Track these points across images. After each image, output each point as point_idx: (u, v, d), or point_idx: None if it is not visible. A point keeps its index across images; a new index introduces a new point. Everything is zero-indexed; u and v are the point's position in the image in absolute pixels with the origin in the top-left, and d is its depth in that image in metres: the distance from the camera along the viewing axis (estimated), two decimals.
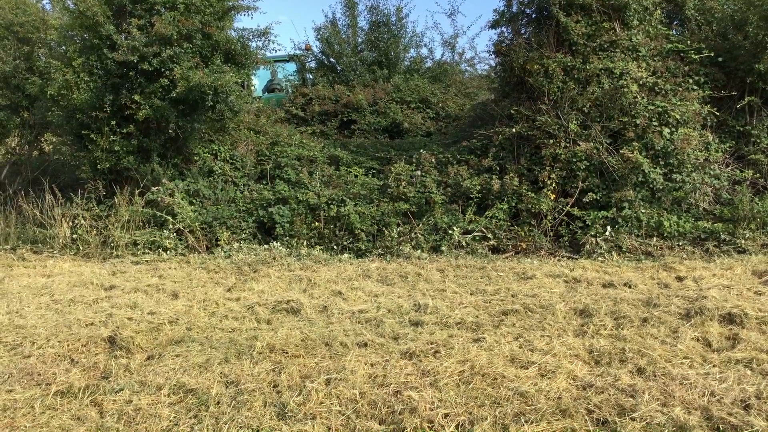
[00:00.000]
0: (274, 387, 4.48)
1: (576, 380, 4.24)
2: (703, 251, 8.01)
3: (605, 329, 5.18)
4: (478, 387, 4.22)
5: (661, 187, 8.64)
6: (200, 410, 4.17)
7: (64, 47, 9.76)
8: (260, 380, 4.57)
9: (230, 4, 9.77)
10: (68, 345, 5.54)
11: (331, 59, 16.31)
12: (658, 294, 5.92)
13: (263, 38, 10.05)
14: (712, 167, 9.10)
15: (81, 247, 9.27)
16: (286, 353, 5.01)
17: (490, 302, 6.04)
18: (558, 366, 4.41)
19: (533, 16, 10.27)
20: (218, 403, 4.23)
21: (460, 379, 4.36)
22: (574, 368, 4.40)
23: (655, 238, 8.32)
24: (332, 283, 7.12)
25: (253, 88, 16.26)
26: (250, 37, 10.06)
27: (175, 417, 4.09)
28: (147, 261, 8.66)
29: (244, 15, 10.30)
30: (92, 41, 9.27)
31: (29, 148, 13.39)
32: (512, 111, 9.76)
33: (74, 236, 9.34)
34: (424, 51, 18.14)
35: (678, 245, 8.19)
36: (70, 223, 9.45)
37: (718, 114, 9.52)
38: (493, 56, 11.12)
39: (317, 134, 13.57)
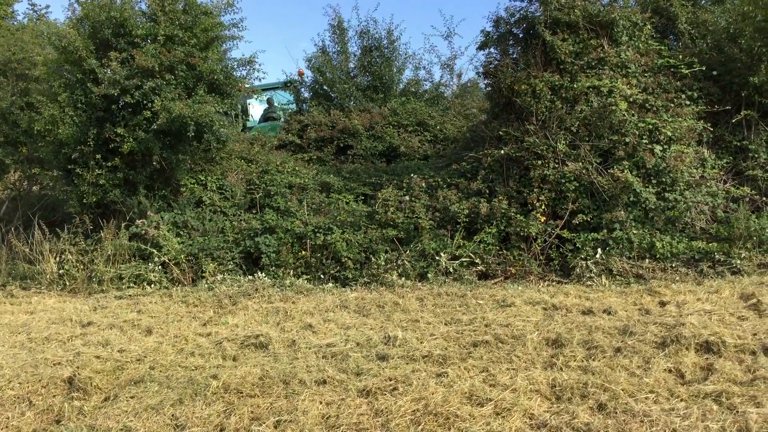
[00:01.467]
0: (221, 431, 4.32)
1: (532, 419, 4.01)
2: (697, 272, 7.70)
3: (575, 360, 4.94)
4: (428, 428, 4.02)
5: (653, 207, 8.35)
6: None
7: (51, 83, 9.80)
8: (208, 423, 4.41)
9: (214, 34, 9.75)
10: (29, 386, 5.41)
11: (325, 87, 16.23)
12: (636, 321, 5.66)
13: (248, 67, 10.02)
14: (708, 184, 8.80)
15: (67, 283, 9.21)
16: (241, 393, 4.84)
17: (462, 333, 5.82)
18: (515, 403, 4.18)
19: (521, 35, 10.12)
20: None
21: (411, 419, 4.16)
22: (532, 405, 4.17)
23: (647, 260, 8.02)
24: (308, 314, 6.95)
25: (251, 117, 16.28)
26: (235, 66, 10.04)
27: None
28: (130, 295, 8.55)
29: (230, 45, 10.30)
30: (77, 76, 9.29)
31: (29, 183, 13.50)
32: (501, 132, 9.58)
33: (61, 272, 9.30)
34: (422, 73, 17.98)
35: (671, 267, 7.88)
36: (57, 259, 9.41)
37: (712, 129, 9.24)
38: (482, 77, 10.94)
39: (314, 160, 13.48)
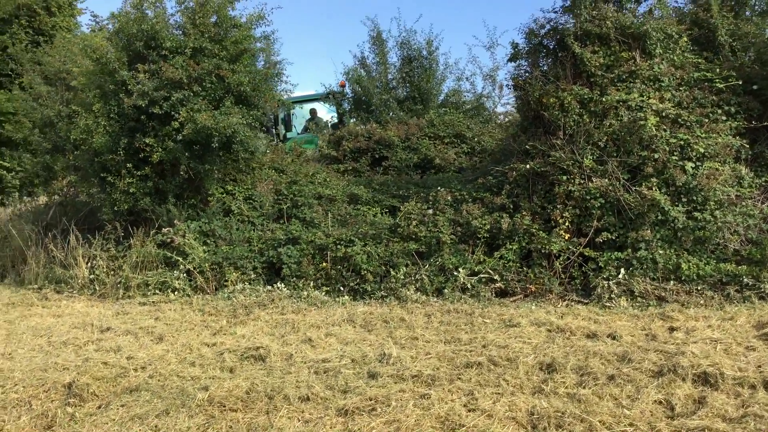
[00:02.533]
0: None
1: None
2: (724, 296, 7.35)
3: (565, 387, 4.77)
4: None
5: (682, 226, 8.00)
6: None
7: (87, 93, 10.14)
8: None
9: (244, 47, 9.90)
10: (32, 390, 5.59)
11: (364, 98, 16.24)
12: (637, 348, 5.43)
13: (276, 79, 10.14)
14: (744, 204, 8.38)
15: (97, 288, 9.50)
16: (224, 407, 4.87)
17: (458, 353, 5.71)
18: (487, 431, 4.07)
19: (551, 47, 9.90)
20: None
21: None
22: None
23: (672, 282, 7.69)
24: (314, 328, 6.95)
25: (293, 127, 16.47)
26: (264, 78, 10.16)
27: None
28: (153, 302, 8.74)
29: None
30: (110, 87, 9.58)
31: (75, 189, 13.96)
32: (528, 146, 9.39)
33: (92, 277, 9.59)
34: (465, 84, 17.77)
35: (696, 290, 7.52)
36: (89, 264, 9.71)
37: (751, 146, 8.81)
38: (512, 90, 10.74)
39: (349, 171, 13.51)
